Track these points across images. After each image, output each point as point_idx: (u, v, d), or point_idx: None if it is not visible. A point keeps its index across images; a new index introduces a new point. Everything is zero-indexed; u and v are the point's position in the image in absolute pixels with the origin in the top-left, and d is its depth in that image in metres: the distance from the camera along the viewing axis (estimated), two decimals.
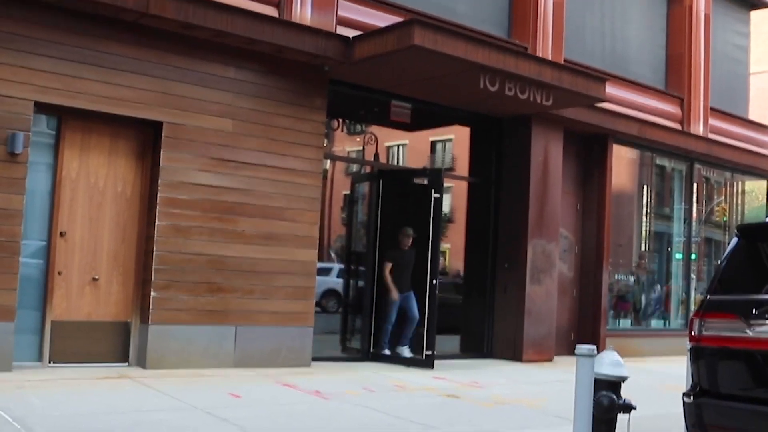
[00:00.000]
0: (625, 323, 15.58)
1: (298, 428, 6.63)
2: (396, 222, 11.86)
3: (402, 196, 11.96)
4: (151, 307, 9.20)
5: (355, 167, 17.13)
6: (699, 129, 16.62)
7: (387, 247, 11.80)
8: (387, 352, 11.56)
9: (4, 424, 6.06)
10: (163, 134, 9.37)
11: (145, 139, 9.52)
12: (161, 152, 9.36)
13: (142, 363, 9.21)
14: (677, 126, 16.24)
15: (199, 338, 9.49)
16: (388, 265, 11.68)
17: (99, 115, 9.07)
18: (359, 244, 12.98)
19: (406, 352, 11.54)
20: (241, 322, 9.84)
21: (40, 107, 8.69)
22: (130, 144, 9.49)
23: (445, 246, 25.13)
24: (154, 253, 9.26)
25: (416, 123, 13.07)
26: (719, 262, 6.06)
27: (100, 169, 9.29)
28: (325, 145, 11.25)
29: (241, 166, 9.90)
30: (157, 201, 9.32)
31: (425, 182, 11.83)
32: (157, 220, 9.30)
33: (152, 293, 9.21)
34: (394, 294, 11.57)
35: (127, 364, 9.30)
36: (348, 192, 14.17)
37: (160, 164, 9.35)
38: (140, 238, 9.47)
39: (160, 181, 9.33)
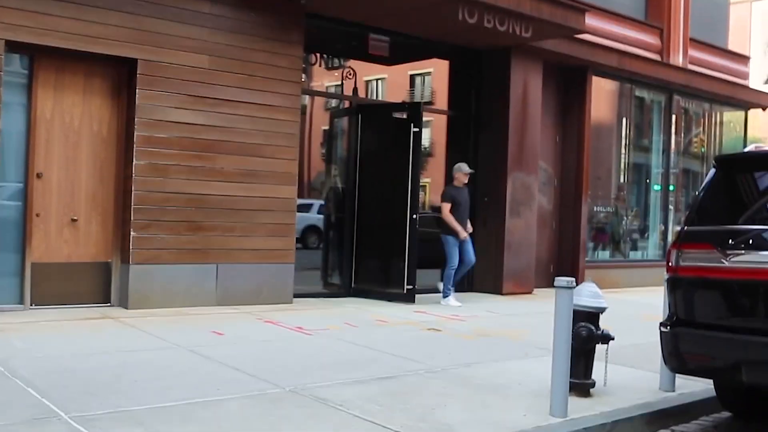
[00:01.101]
0: (604, 255, 15.76)
1: (281, 364, 6.69)
2: (376, 157, 11.82)
3: (381, 130, 11.90)
4: (131, 247, 9.17)
5: (334, 102, 16.97)
6: (678, 60, 16.59)
7: (369, 182, 11.76)
8: (452, 301, 11.20)
9: None
10: (138, 71, 9.23)
11: (119, 76, 9.38)
12: (137, 90, 9.23)
13: (124, 303, 9.22)
14: (657, 57, 16.20)
15: (181, 277, 9.50)
16: (447, 205, 11.29)
17: (72, 53, 8.90)
18: (339, 180, 12.95)
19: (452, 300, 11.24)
20: (223, 260, 9.85)
21: (11, 46, 8.51)
22: (104, 82, 9.35)
23: (425, 180, 25.16)
24: (133, 192, 9.20)
25: (395, 56, 12.94)
26: (697, 192, 6.10)
27: (75, 109, 9.16)
28: (303, 80, 11.13)
29: (218, 102, 9.80)
30: (134, 140, 9.22)
31: (404, 116, 11.76)
32: (134, 160, 9.22)
33: (132, 233, 9.17)
34: (461, 233, 11.19)
35: (109, 304, 9.32)
36: (327, 127, 14.07)
37: (136, 102, 9.23)
38: (118, 177, 9.39)
39: (136, 119, 9.22)
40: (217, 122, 9.78)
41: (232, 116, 9.89)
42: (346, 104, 13.42)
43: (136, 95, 9.22)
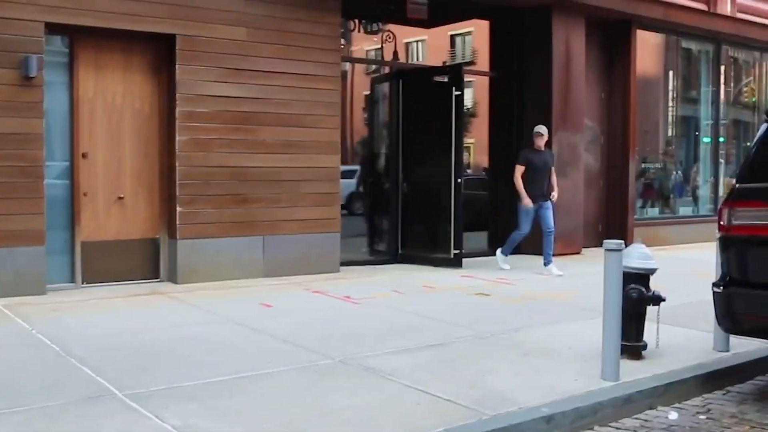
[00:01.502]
0: (653, 212, 15.51)
1: (329, 334, 6.71)
2: (418, 121, 11.74)
3: (422, 95, 11.78)
4: (178, 223, 9.25)
5: (375, 67, 16.85)
6: (726, 8, 16.10)
7: (412, 148, 11.68)
8: (506, 266, 10.89)
9: (42, 346, 6.20)
10: (177, 47, 9.23)
11: (159, 53, 9.39)
12: (176, 66, 9.24)
13: (173, 278, 9.32)
14: (703, 6, 15.73)
15: (228, 250, 9.56)
16: (520, 169, 10.69)
17: (110, 32, 8.92)
18: (382, 146, 12.90)
19: (554, 270, 10.54)
20: (269, 231, 9.90)
21: (51, 28, 8.55)
22: (144, 59, 9.37)
23: (469, 141, 25.02)
24: (177, 168, 9.25)
25: (434, 19, 12.77)
26: (749, 147, 5.92)
27: (117, 87, 9.21)
28: (342, 46, 11.05)
29: (258, 74, 9.78)
30: (176, 115, 9.25)
31: (445, 80, 11.63)
32: (177, 135, 9.26)
33: (178, 208, 9.25)
34: (525, 201, 10.60)
35: (158, 280, 9.42)
36: (368, 93, 14.00)
37: (176, 78, 9.24)
38: (162, 154, 9.45)
39: (177, 95, 9.24)
40: (257, 94, 9.77)
41: (272, 87, 9.87)
42: (387, 69, 13.33)
43: (176, 71, 9.23)
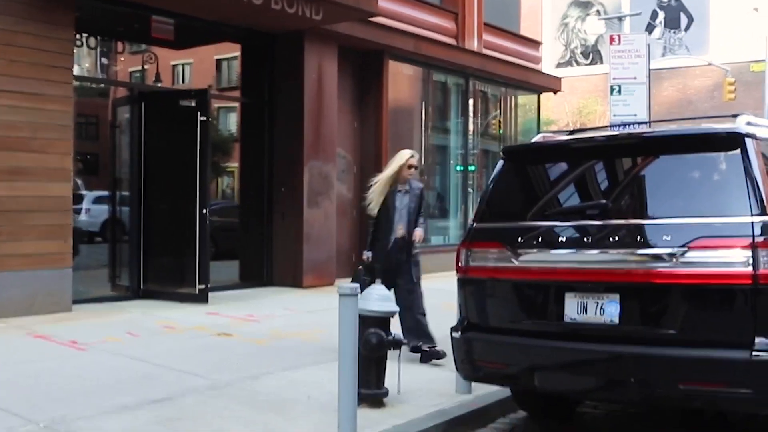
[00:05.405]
0: None
1: (41, 390, 5.90)
2: (162, 147, 11.03)
3: (167, 119, 11.09)
4: None
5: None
6: (473, 44, 16.72)
7: (156, 175, 10.93)
8: None
9: None
10: None
11: None
12: None
13: None
14: (452, 41, 16.24)
15: None
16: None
17: None
18: (124, 172, 12.01)
19: None
20: None
21: None
22: None
23: (233, 166, 24.40)
24: None
25: (181, 40, 12.19)
26: (486, 186, 5.77)
27: None
28: (87, 65, 10.21)
29: None
30: None
31: (192, 104, 11.00)
32: None
33: None
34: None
35: None
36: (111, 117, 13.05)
37: None
38: None
39: None
40: None
41: None
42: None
43: None
